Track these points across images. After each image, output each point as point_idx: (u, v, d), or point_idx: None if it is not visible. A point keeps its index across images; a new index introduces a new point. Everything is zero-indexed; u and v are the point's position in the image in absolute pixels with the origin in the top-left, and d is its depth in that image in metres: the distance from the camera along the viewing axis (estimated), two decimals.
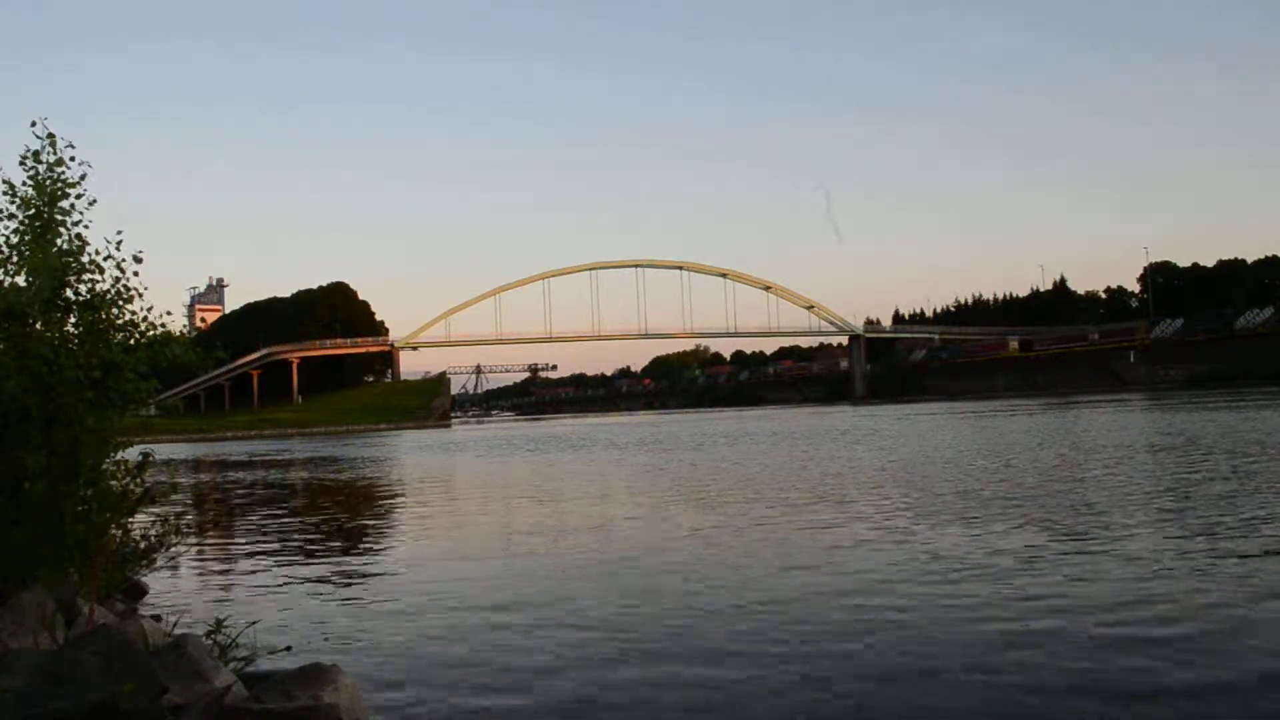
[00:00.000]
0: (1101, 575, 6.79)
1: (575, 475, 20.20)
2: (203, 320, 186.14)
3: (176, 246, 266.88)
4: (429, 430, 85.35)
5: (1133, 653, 4.91)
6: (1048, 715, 4.13)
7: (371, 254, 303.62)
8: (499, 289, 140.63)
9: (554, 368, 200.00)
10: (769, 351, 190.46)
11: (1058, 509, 10.24)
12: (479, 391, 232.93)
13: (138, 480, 5.52)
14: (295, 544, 10.99)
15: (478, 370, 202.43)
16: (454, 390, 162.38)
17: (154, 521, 5.99)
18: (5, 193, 5.45)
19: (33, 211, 5.42)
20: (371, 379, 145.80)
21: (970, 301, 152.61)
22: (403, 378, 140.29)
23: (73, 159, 5.52)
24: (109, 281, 5.45)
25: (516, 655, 5.43)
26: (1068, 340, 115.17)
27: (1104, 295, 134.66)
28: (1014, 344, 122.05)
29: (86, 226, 5.51)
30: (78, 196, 5.51)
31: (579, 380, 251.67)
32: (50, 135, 5.46)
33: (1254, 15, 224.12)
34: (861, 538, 9.03)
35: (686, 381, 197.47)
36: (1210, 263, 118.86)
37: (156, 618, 5.90)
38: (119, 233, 5.51)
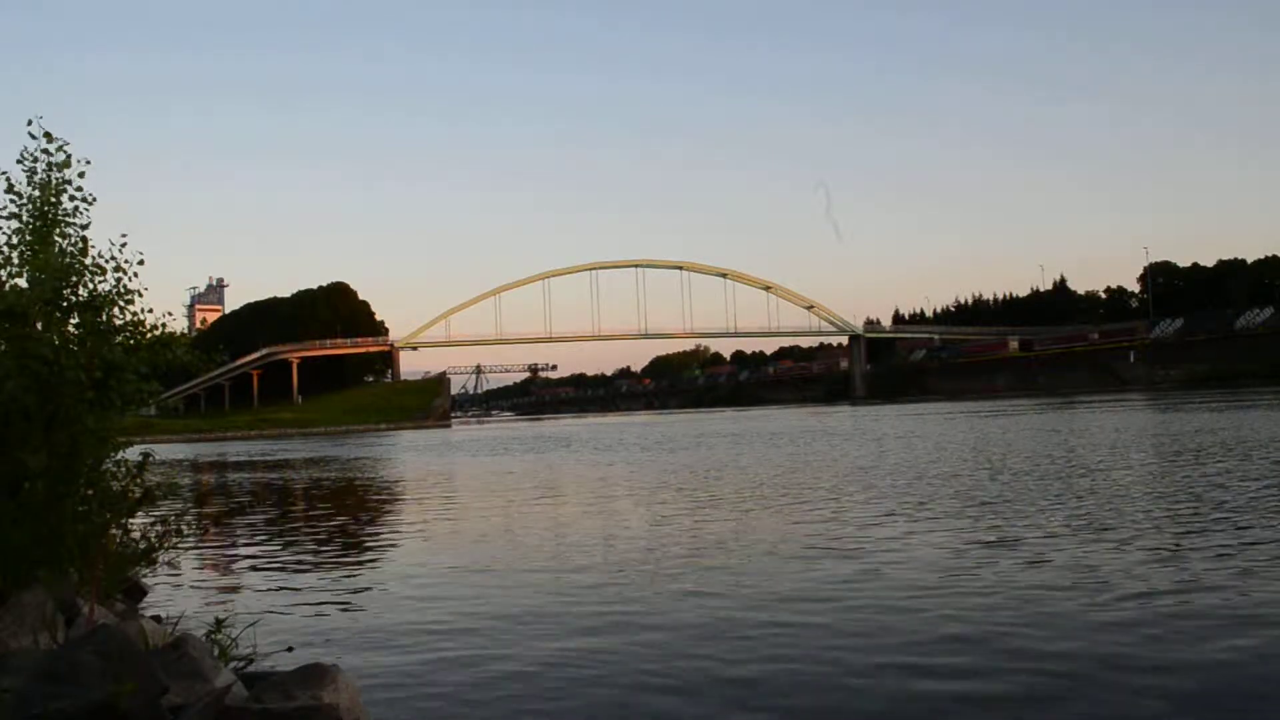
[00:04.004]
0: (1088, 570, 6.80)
1: (575, 476, 20.20)
2: (203, 320, 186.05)
3: (176, 246, 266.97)
4: (429, 430, 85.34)
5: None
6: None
7: (371, 254, 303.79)
8: (499, 289, 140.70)
9: (554, 368, 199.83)
10: (769, 351, 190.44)
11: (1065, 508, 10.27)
12: (479, 391, 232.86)
13: (138, 480, 5.53)
14: (295, 544, 10.99)
15: (478, 370, 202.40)
16: (454, 390, 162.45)
17: (154, 521, 5.99)
18: (6, 192, 5.45)
19: (35, 212, 5.42)
20: (371, 379, 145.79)
21: (970, 301, 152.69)
22: (403, 378, 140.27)
23: (68, 158, 5.52)
24: (111, 282, 5.45)
25: (516, 656, 5.43)
26: (1068, 340, 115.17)
27: (1104, 295, 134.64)
28: (1014, 344, 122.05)
29: (85, 226, 5.52)
30: (84, 200, 5.52)
31: (579, 380, 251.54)
32: (47, 134, 5.46)
33: (1254, 15, 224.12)
34: (853, 541, 9.05)
35: (686, 381, 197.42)
36: (1210, 263, 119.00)
37: (156, 618, 5.89)
38: (124, 236, 5.52)
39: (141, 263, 5.51)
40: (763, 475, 17.01)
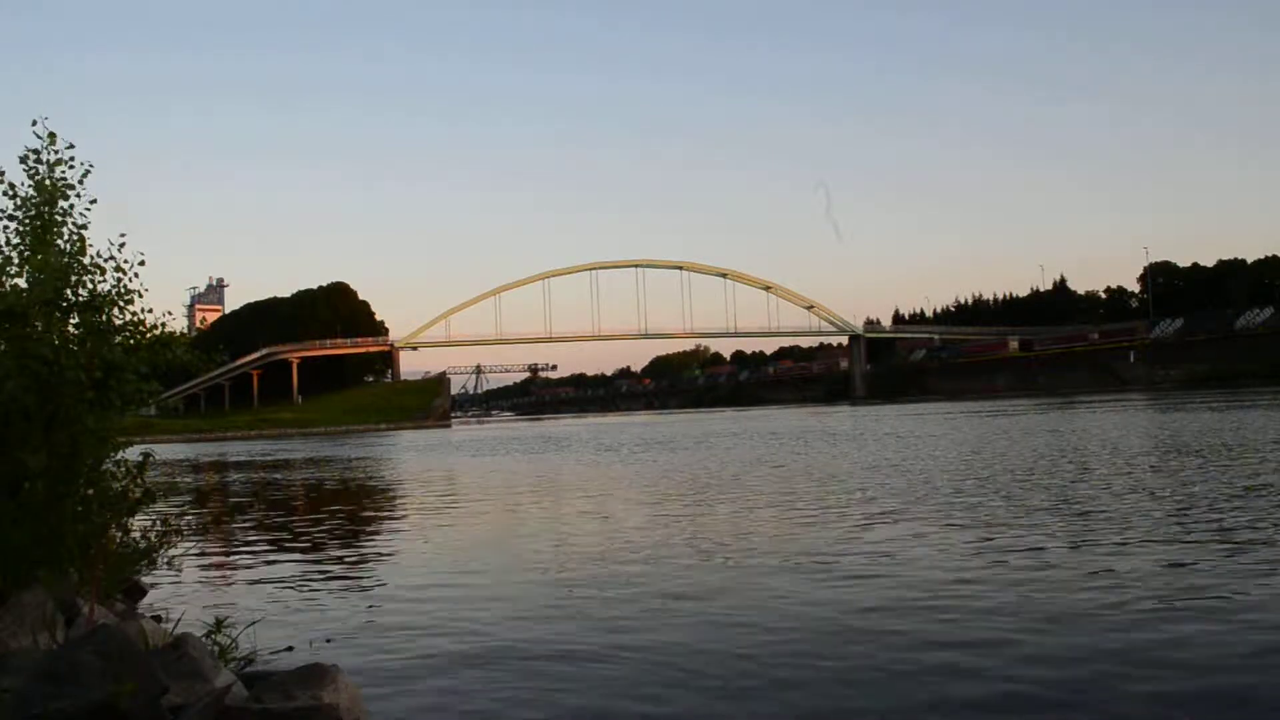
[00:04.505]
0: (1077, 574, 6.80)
1: (575, 477, 20.20)
2: (203, 320, 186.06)
3: (176, 246, 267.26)
4: (429, 430, 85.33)
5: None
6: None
7: (371, 254, 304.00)
8: (499, 289, 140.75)
9: (554, 368, 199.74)
10: (769, 351, 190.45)
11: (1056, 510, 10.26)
12: (479, 391, 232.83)
13: (138, 480, 5.53)
14: (295, 544, 10.99)
15: (478, 370, 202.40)
16: (454, 390, 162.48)
17: (154, 521, 5.99)
18: (5, 193, 5.45)
19: (33, 212, 5.42)
20: (371, 379, 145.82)
21: (970, 301, 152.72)
22: (403, 378, 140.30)
23: (72, 159, 5.52)
24: (110, 282, 5.45)
25: (516, 657, 5.43)
26: (1068, 340, 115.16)
27: (1104, 295, 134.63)
28: (1014, 344, 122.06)
29: (84, 227, 5.52)
30: (78, 196, 5.52)
31: (579, 380, 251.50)
32: (51, 135, 5.46)
33: (1254, 15, 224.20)
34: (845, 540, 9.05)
35: (686, 381, 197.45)
36: (1210, 263, 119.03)
37: (156, 618, 5.90)
38: (122, 235, 5.52)
39: (142, 263, 5.52)
40: (762, 476, 17.00)
